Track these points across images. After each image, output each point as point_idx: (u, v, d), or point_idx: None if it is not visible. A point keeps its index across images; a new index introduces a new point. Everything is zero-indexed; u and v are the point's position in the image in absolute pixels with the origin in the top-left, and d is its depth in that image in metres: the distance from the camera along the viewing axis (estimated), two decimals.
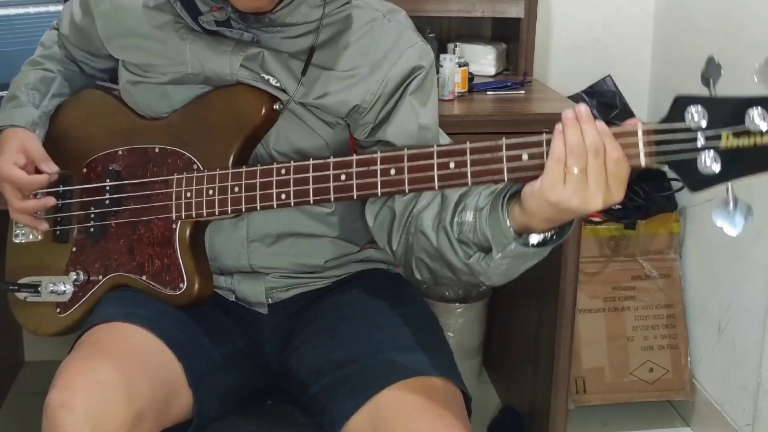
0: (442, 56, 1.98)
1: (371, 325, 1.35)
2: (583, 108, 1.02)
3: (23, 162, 1.39)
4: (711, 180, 0.95)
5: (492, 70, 2.25)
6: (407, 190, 1.13)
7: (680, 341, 2.33)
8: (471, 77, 2.07)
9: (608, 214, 2.29)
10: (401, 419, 1.19)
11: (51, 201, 1.40)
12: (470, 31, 2.39)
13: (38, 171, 1.41)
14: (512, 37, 2.29)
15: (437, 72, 1.91)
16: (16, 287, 1.44)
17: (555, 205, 1.02)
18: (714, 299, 2.22)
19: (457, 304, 2.44)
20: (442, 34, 2.31)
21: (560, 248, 1.92)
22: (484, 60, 2.24)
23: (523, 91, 2.11)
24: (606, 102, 2.41)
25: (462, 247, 1.18)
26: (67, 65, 1.54)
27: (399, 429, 1.18)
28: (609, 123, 1.03)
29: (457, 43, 2.17)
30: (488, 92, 2.09)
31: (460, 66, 2.02)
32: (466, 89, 2.04)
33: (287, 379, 1.41)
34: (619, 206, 2.28)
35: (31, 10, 1.91)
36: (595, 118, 1.02)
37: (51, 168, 1.40)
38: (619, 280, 2.32)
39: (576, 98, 2.37)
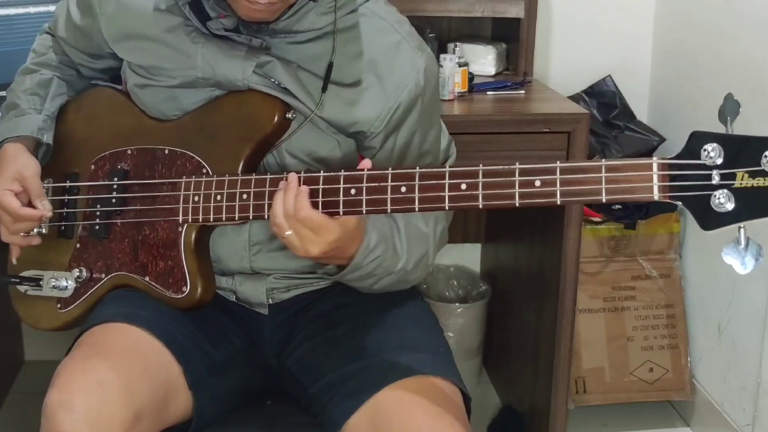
0: (442, 56, 1.98)
1: (371, 325, 1.35)
2: (291, 176, 1.19)
3: (19, 190, 1.37)
4: (723, 219, 0.95)
5: (492, 70, 2.25)
6: (417, 209, 1.13)
7: (680, 341, 2.32)
8: (471, 77, 2.07)
9: (608, 214, 2.29)
10: (401, 418, 1.19)
11: (36, 240, 1.41)
12: (470, 31, 2.39)
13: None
14: (512, 37, 2.29)
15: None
16: (18, 280, 1.44)
17: None
18: (714, 299, 2.22)
19: (457, 304, 2.44)
20: (442, 34, 2.31)
21: (560, 248, 1.93)
22: (484, 60, 2.24)
23: (523, 91, 2.11)
24: (606, 102, 2.41)
25: None
26: (64, 70, 1.52)
27: (399, 428, 1.18)
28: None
29: (457, 43, 2.17)
30: (488, 92, 2.09)
31: (460, 66, 2.02)
32: (466, 89, 2.04)
33: (287, 379, 1.41)
34: (620, 206, 2.28)
35: (31, 10, 1.91)
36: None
37: (45, 206, 1.38)
38: (619, 280, 2.32)
39: (576, 98, 2.37)
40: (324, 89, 1.29)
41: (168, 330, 1.27)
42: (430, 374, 1.25)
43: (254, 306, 1.43)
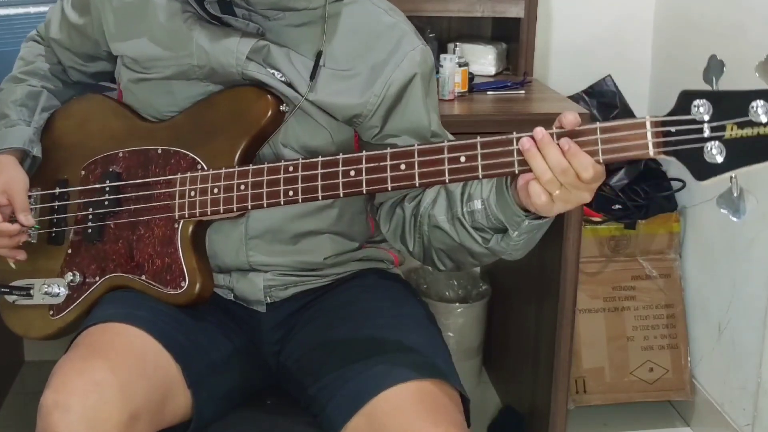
0: (442, 56, 1.98)
1: (370, 326, 1.35)
2: (539, 132, 1.07)
3: (4, 203, 1.38)
4: (716, 169, 0.99)
5: (492, 70, 2.25)
6: (417, 184, 1.15)
7: (680, 341, 2.32)
8: (471, 77, 2.07)
9: (608, 214, 2.29)
10: (399, 422, 1.18)
11: (22, 255, 1.40)
12: (470, 31, 2.39)
13: None
14: (512, 37, 2.29)
15: (437, 72, 1.91)
16: (8, 290, 1.42)
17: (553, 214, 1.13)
18: (714, 299, 2.22)
19: (457, 304, 2.44)
20: (442, 34, 2.31)
21: (560, 248, 1.93)
22: (484, 60, 2.24)
23: (523, 91, 2.11)
24: (606, 102, 2.41)
25: (479, 233, 1.25)
26: (52, 80, 1.52)
27: (397, 431, 1.18)
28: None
29: (457, 43, 2.17)
30: (488, 92, 2.09)
31: (460, 66, 2.02)
32: (466, 89, 2.04)
33: (286, 379, 1.41)
34: (620, 206, 2.28)
35: (31, 10, 1.92)
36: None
37: (28, 221, 1.38)
38: (619, 280, 2.32)
39: (576, 98, 2.37)
40: (312, 77, 1.30)
41: (166, 330, 1.27)
42: (428, 377, 1.24)
43: (252, 304, 1.43)
